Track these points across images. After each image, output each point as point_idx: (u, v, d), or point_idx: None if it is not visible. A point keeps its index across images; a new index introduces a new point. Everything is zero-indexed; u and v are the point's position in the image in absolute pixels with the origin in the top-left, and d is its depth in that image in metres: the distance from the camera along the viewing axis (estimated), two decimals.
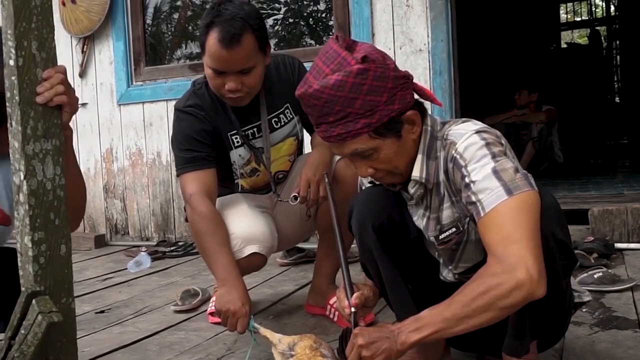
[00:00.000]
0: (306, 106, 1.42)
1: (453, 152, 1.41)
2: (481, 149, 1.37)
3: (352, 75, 1.34)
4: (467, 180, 1.36)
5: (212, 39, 1.97)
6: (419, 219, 1.57)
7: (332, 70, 1.36)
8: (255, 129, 2.21)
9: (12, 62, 1.26)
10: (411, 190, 1.50)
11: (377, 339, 1.34)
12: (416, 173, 1.47)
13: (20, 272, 1.31)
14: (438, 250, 1.59)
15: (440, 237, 1.52)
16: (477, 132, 1.40)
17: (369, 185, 1.67)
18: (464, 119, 1.50)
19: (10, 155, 1.30)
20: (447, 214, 1.50)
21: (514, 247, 1.26)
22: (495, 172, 1.33)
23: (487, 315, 1.27)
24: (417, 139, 1.47)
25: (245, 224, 2.12)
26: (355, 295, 1.50)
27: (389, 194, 1.59)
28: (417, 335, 1.30)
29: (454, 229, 1.50)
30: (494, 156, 1.35)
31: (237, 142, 2.20)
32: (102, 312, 2.61)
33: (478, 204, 1.33)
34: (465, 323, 1.28)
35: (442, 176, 1.47)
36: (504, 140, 1.42)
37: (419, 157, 1.47)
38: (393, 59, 1.56)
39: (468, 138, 1.39)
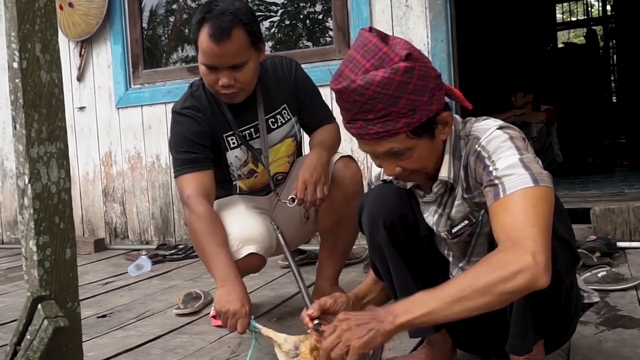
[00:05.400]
0: (344, 101, 1.35)
1: (476, 146, 1.41)
2: (506, 142, 1.37)
3: (400, 73, 1.29)
4: (490, 168, 1.35)
5: (204, 34, 1.99)
6: (430, 216, 1.57)
7: (373, 65, 1.31)
8: (252, 130, 2.21)
9: (16, 65, 1.25)
10: (435, 189, 1.50)
11: (363, 322, 1.25)
12: (444, 173, 1.47)
13: (25, 277, 1.30)
14: (449, 245, 1.58)
15: (453, 230, 1.52)
16: (500, 127, 1.41)
17: (380, 182, 1.66)
18: (484, 117, 1.49)
19: (15, 158, 1.29)
20: (457, 210, 1.50)
21: (532, 231, 1.23)
22: (522, 161, 1.32)
23: (485, 299, 1.19)
24: (445, 139, 1.46)
25: (243, 224, 2.11)
26: (312, 305, 1.51)
27: (401, 191, 1.59)
28: (407, 316, 1.22)
29: (466, 222, 1.49)
30: (518, 149, 1.35)
31: (233, 143, 2.19)
32: (104, 316, 2.60)
33: (500, 185, 1.31)
34: (461, 305, 1.20)
35: (461, 172, 1.46)
36: (524, 135, 1.43)
37: (446, 157, 1.46)
38: None
39: (492, 133, 1.40)
